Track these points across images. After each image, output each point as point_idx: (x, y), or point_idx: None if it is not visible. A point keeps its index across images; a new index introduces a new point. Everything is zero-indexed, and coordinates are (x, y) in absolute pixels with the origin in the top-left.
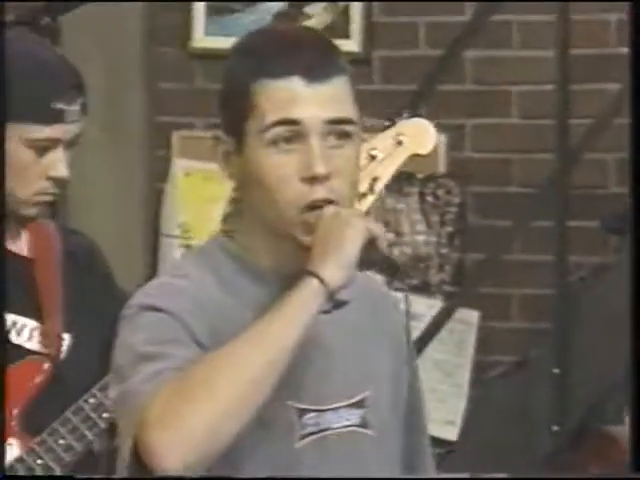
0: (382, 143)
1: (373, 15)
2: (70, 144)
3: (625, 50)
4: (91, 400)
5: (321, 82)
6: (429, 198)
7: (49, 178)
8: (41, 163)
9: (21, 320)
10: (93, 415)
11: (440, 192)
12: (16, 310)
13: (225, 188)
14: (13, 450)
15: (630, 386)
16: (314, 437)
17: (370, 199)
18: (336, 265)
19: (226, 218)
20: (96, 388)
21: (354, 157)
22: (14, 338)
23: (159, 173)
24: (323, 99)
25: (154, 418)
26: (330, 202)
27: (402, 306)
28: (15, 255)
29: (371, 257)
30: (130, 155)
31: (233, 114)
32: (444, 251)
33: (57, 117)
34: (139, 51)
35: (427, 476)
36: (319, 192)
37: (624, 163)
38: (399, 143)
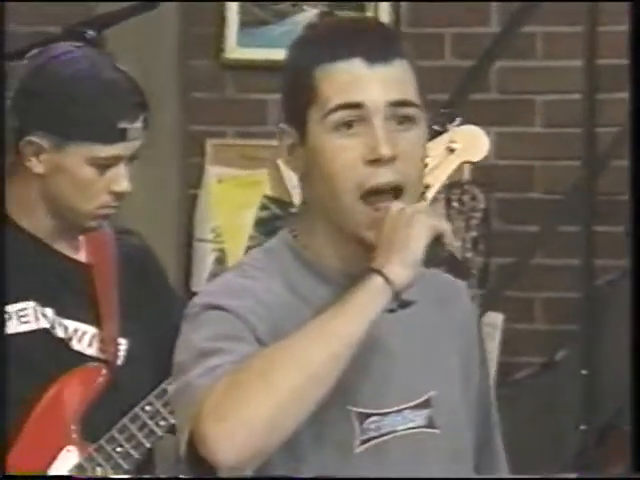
0: (433, 150)
1: (401, 27)
2: (131, 159)
3: None
4: (147, 408)
5: (382, 64)
6: (455, 204)
7: (111, 192)
8: (103, 179)
9: (82, 327)
10: (150, 423)
11: (465, 198)
12: (77, 317)
13: (255, 194)
14: (72, 457)
15: (630, 387)
16: (375, 442)
17: None
18: (402, 263)
19: (293, 217)
20: (153, 395)
21: (420, 141)
22: (75, 345)
23: (193, 180)
24: (385, 81)
25: (210, 409)
26: (395, 187)
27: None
28: (74, 262)
29: (438, 255)
30: (165, 162)
31: (296, 104)
32: (469, 255)
33: (121, 136)
34: (174, 63)
35: (500, 475)
36: (384, 175)
37: None
38: (451, 150)
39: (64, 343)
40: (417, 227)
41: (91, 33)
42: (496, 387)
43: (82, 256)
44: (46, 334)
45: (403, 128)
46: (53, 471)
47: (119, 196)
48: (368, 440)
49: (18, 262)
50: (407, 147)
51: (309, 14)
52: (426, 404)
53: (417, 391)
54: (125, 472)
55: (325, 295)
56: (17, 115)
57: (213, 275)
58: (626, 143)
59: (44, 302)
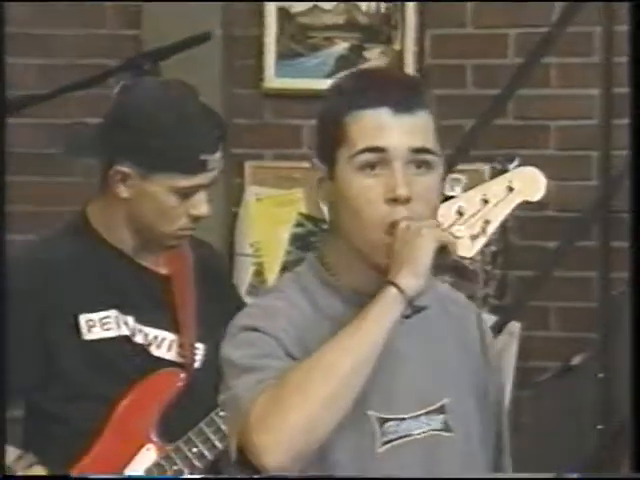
0: (494, 189)
1: (425, 58)
2: (209, 186)
3: None
4: (222, 413)
5: (407, 113)
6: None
7: (190, 216)
8: (184, 205)
9: (161, 334)
10: (224, 428)
11: None
12: (156, 325)
13: (291, 211)
14: (151, 455)
15: (630, 387)
16: (395, 443)
17: (482, 240)
18: (412, 273)
19: (321, 243)
20: None
21: (435, 185)
22: (154, 351)
23: (234, 198)
24: (408, 129)
25: (255, 422)
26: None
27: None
28: (154, 273)
29: (444, 263)
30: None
31: (327, 144)
32: (488, 268)
33: (202, 167)
34: (218, 92)
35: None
36: (401, 213)
37: None
38: (510, 189)
39: (144, 349)
40: (424, 239)
41: (148, 64)
42: (518, 389)
43: (161, 268)
44: (127, 340)
45: (420, 172)
46: (132, 468)
47: (198, 219)
48: (388, 442)
49: (102, 273)
50: (422, 189)
51: (340, 47)
52: (441, 410)
53: (432, 398)
54: (199, 472)
55: (343, 312)
56: (105, 145)
57: (252, 286)
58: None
59: (125, 311)
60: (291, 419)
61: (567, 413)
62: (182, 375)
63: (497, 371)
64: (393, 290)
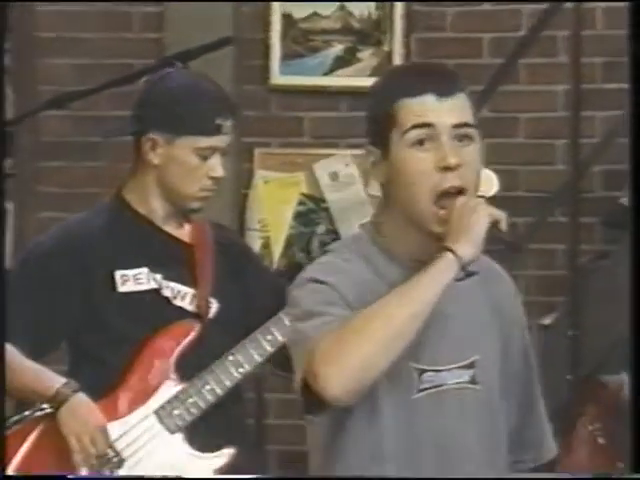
0: None
1: (411, 59)
2: (224, 151)
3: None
4: (230, 357)
5: (447, 97)
6: None
7: (210, 177)
8: (204, 166)
9: (183, 289)
10: (232, 369)
11: None
12: (180, 281)
13: (294, 192)
14: (170, 389)
15: (631, 388)
16: (429, 391)
17: None
18: (468, 242)
19: (374, 214)
20: (236, 349)
21: (476, 153)
22: (177, 302)
23: (244, 181)
24: (450, 108)
25: (320, 357)
26: (460, 190)
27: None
28: (179, 241)
29: (495, 236)
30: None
31: (379, 129)
32: None
33: (217, 130)
34: (230, 88)
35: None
36: (451, 180)
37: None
38: None
39: (168, 300)
40: (479, 214)
41: (179, 64)
42: None
43: (185, 237)
44: (155, 293)
45: (463, 144)
46: (155, 400)
47: (216, 181)
48: (424, 390)
49: (135, 239)
50: (467, 158)
51: (336, 49)
52: (471, 365)
53: (465, 354)
54: (209, 404)
55: (395, 273)
56: (137, 120)
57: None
58: (603, 152)
59: (154, 269)
60: (351, 356)
61: (540, 366)
62: (197, 325)
63: (527, 337)
64: (450, 255)
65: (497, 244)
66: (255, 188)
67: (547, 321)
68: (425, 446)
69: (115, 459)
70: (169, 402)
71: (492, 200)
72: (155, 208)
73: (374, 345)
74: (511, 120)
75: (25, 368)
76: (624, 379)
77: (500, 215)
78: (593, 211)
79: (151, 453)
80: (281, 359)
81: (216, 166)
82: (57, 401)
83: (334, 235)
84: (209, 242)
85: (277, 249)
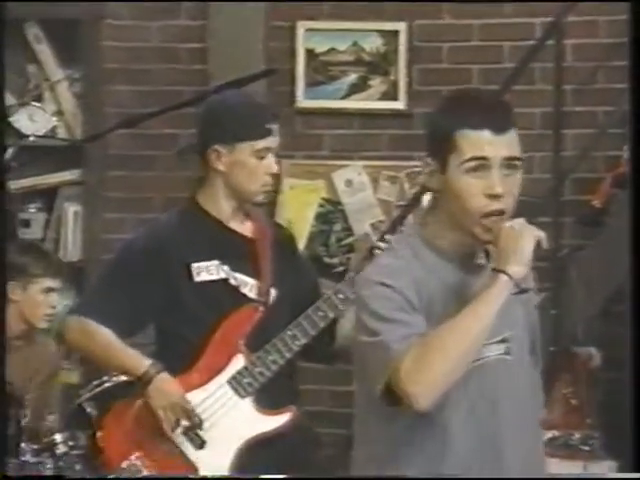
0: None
1: (414, 84)
2: (275, 151)
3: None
4: (289, 332)
5: (502, 133)
6: None
7: (268, 174)
8: (262, 165)
9: (247, 279)
10: (290, 342)
11: None
12: (244, 272)
13: (316, 197)
14: (240, 362)
15: (631, 388)
16: (476, 363)
17: None
18: (517, 263)
19: (423, 215)
20: (293, 325)
21: (518, 182)
22: (243, 290)
23: (274, 188)
24: (503, 144)
25: (407, 376)
26: (502, 212)
27: None
28: (243, 236)
29: (539, 254)
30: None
31: (439, 149)
32: None
33: (268, 133)
34: None
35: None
36: (496, 205)
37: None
38: None
39: (235, 288)
40: (526, 237)
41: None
42: None
43: (248, 233)
44: (224, 282)
45: (509, 173)
46: (228, 371)
47: (274, 177)
48: (473, 362)
49: (206, 236)
50: (510, 186)
51: (351, 77)
52: (504, 340)
53: (499, 331)
54: (273, 373)
55: (444, 269)
56: (201, 136)
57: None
58: (583, 162)
59: (223, 261)
60: (435, 375)
61: None
62: (261, 308)
63: (536, 314)
64: (504, 277)
65: (540, 260)
66: (283, 193)
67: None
68: (478, 409)
69: (197, 420)
70: (239, 372)
71: None
72: (224, 208)
73: (452, 362)
74: None
75: (118, 348)
76: (592, 352)
77: (542, 235)
78: (571, 213)
79: (226, 415)
80: (316, 352)
81: (271, 164)
82: (145, 379)
83: (349, 232)
84: (268, 237)
85: (301, 244)
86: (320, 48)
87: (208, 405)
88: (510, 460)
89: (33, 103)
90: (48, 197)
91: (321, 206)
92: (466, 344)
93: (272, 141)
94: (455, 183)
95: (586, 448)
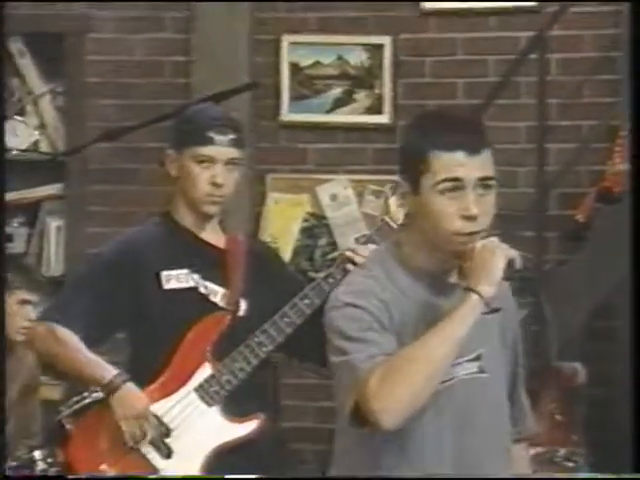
0: None
1: (398, 98)
2: (227, 163)
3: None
4: (255, 339)
5: (476, 154)
6: None
7: (211, 184)
8: (205, 173)
9: (216, 288)
10: (257, 349)
11: None
12: (214, 281)
13: (300, 211)
14: (207, 370)
15: (632, 388)
16: (447, 383)
17: None
18: (488, 283)
19: (398, 234)
20: (259, 332)
21: (493, 201)
22: (213, 298)
23: (258, 202)
24: (476, 165)
25: (373, 395)
26: (477, 233)
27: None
28: (213, 246)
29: (510, 273)
30: (241, 190)
31: (412, 170)
32: None
33: (210, 141)
34: (247, 123)
35: (523, 407)
36: (472, 227)
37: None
38: None
39: (205, 297)
40: (497, 256)
41: (210, 103)
42: None
43: (221, 244)
44: (194, 290)
45: (484, 193)
46: (195, 380)
47: (217, 187)
48: (444, 382)
49: (177, 245)
50: (485, 206)
51: (336, 91)
52: (477, 358)
53: (472, 349)
54: (240, 380)
55: (417, 289)
56: (169, 139)
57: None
58: (567, 177)
59: (193, 270)
60: (401, 394)
61: None
62: (228, 317)
63: (518, 329)
64: (475, 296)
65: (512, 279)
66: (267, 207)
67: None
68: (445, 430)
69: (164, 429)
70: (206, 381)
71: None
72: (187, 216)
73: (418, 383)
74: None
75: (84, 356)
76: (577, 367)
77: (514, 254)
78: (554, 227)
79: (193, 424)
80: (299, 350)
81: (216, 174)
82: (110, 389)
83: (334, 246)
84: (241, 249)
85: (285, 258)
86: (305, 62)
87: (175, 414)
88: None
89: (16, 117)
90: (31, 212)
91: (306, 220)
92: (434, 364)
93: (216, 151)
94: (429, 204)
95: (570, 464)
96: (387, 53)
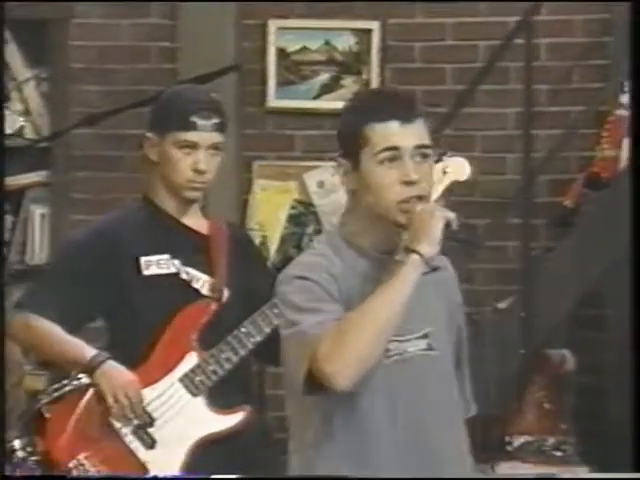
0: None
1: (386, 84)
2: (209, 148)
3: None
4: (243, 329)
5: (410, 123)
6: None
7: (194, 170)
8: (187, 159)
9: (199, 275)
10: (244, 340)
11: None
12: (196, 268)
13: (287, 198)
14: (193, 359)
15: (632, 388)
16: (396, 358)
17: None
18: (428, 242)
19: (343, 214)
20: (247, 322)
21: (431, 169)
22: (195, 285)
23: (245, 189)
24: (411, 133)
25: (324, 358)
26: (419, 197)
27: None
28: (197, 232)
29: (448, 234)
30: (227, 177)
31: (351, 147)
32: None
33: (193, 126)
34: (234, 110)
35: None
36: (412, 191)
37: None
38: (445, 173)
39: (186, 283)
40: (435, 217)
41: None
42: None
43: (203, 230)
44: (175, 276)
45: (422, 161)
46: (180, 369)
47: (200, 173)
48: (392, 356)
49: (158, 229)
50: (424, 173)
51: (323, 77)
52: (425, 336)
53: (420, 327)
54: (226, 371)
55: (364, 266)
56: (149, 122)
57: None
58: (554, 163)
59: (174, 255)
60: (350, 355)
61: (495, 343)
62: (213, 306)
63: (461, 310)
64: (415, 256)
65: (450, 240)
66: (254, 195)
67: (502, 305)
68: (400, 404)
69: (147, 418)
70: (192, 370)
71: (465, 186)
72: (168, 201)
73: (367, 342)
74: (469, 137)
75: (62, 340)
76: (565, 354)
77: (451, 216)
78: (542, 214)
79: (178, 414)
80: (267, 352)
81: (198, 160)
82: (90, 367)
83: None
84: (224, 236)
85: (273, 246)
86: (292, 47)
87: (159, 403)
88: (438, 452)
89: None
90: (14, 199)
91: (293, 208)
92: (380, 324)
93: (199, 136)
94: (370, 176)
95: (559, 454)
96: (375, 38)
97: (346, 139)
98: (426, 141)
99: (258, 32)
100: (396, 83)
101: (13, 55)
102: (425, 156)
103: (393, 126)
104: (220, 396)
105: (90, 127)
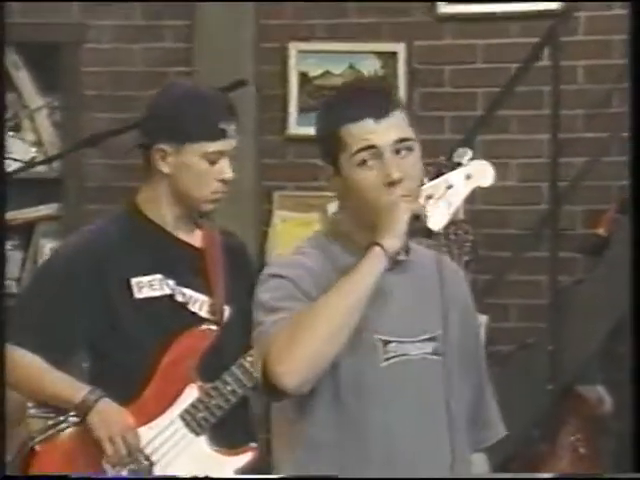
0: (455, 178)
1: (414, 109)
2: (231, 154)
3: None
4: (249, 358)
5: (384, 118)
6: (451, 236)
7: (219, 180)
8: (213, 170)
9: (196, 295)
10: (251, 369)
11: (459, 232)
12: (193, 288)
13: (309, 230)
14: (193, 393)
15: (633, 389)
16: (394, 360)
17: (447, 217)
18: (391, 236)
19: (330, 217)
20: (253, 351)
21: (416, 162)
22: (192, 307)
23: (264, 221)
24: (388, 128)
25: (274, 356)
26: (405, 197)
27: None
28: (190, 246)
29: (415, 227)
30: (246, 208)
31: (330, 151)
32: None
33: (222, 134)
34: (252, 138)
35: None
36: (397, 192)
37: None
38: (468, 177)
39: (182, 305)
40: (400, 210)
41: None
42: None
43: (197, 243)
44: (169, 298)
45: (404, 156)
46: (180, 404)
47: (226, 183)
48: (389, 358)
49: (148, 246)
50: (409, 169)
51: None
52: (433, 339)
53: (427, 330)
54: (231, 405)
55: (348, 260)
56: (145, 133)
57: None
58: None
59: (167, 275)
60: (301, 353)
61: (523, 378)
62: (214, 329)
63: (475, 314)
64: (377, 249)
65: (418, 234)
66: (274, 226)
67: (529, 340)
68: (394, 410)
69: (146, 463)
70: (193, 405)
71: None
72: (167, 215)
73: (320, 340)
74: (503, 165)
75: (52, 377)
76: (600, 392)
77: (419, 209)
78: (573, 246)
79: (178, 456)
80: None
81: (224, 169)
82: (84, 408)
83: None
84: (218, 247)
85: None
86: (314, 71)
87: (158, 444)
88: (437, 456)
89: (11, 133)
90: (24, 233)
91: None
92: (335, 320)
93: (226, 144)
94: (351, 180)
95: None
96: (401, 61)
97: (324, 145)
98: (407, 134)
99: (278, 55)
100: (425, 108)
101: (25, 82)
102: (408, 149)
103: (367, 124)
104: (223, 434)
105: (94, 147)
